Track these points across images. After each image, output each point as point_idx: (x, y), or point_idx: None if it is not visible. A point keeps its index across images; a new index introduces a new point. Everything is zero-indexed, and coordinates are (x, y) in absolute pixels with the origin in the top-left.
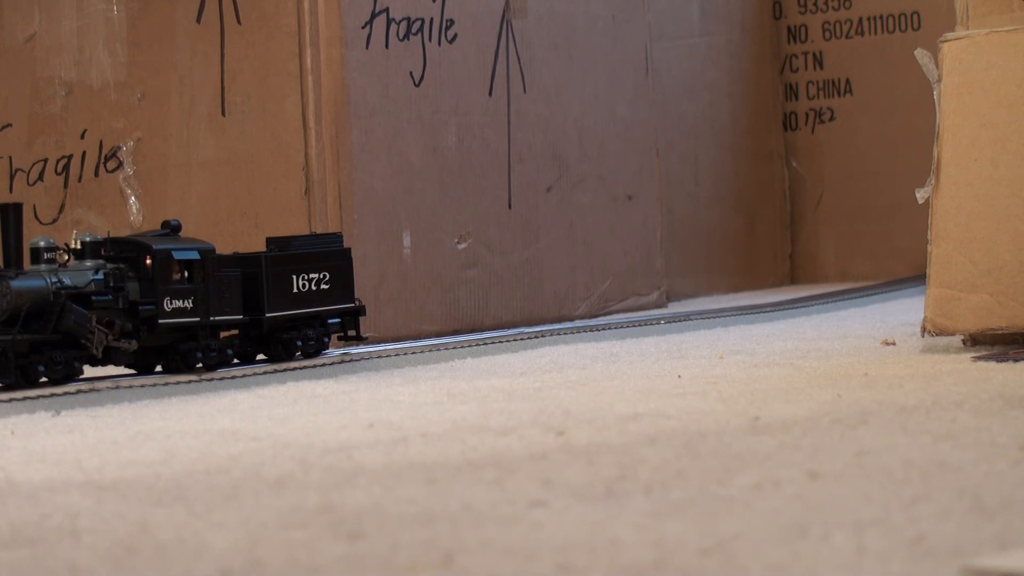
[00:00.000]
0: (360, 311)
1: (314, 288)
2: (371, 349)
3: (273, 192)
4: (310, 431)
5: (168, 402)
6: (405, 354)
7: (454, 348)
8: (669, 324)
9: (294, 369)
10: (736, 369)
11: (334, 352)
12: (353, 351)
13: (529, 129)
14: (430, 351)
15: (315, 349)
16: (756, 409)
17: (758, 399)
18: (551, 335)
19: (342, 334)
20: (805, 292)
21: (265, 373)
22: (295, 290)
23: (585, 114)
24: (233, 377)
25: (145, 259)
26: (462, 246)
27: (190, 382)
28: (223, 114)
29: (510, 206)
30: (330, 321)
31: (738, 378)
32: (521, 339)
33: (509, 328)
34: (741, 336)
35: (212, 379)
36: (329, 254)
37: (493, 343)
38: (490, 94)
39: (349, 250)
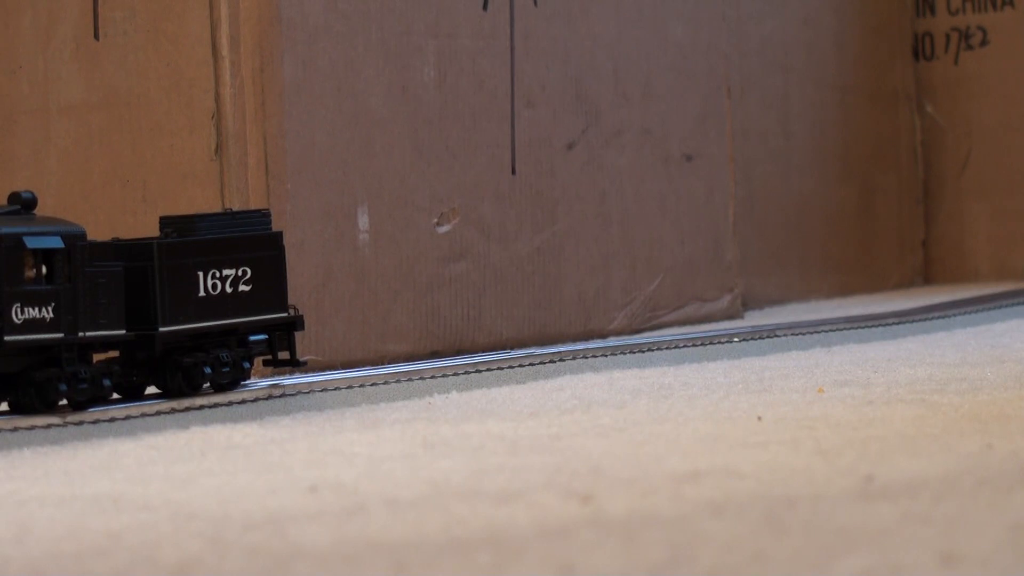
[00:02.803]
0: (296, 324)
1: (230, 290)
2: (312, 379)
3: (169, 151)
4: (226, 497)
5: (19, 455)
6: (361, 386)
7: (432, 378)
8: (746, 343)
9: (201, 408)
10: (842, 408)
11: (258, 383)
12: (286, 382)
13: (542, 59)
14: (398, 382)
15: (231, 379)
16: (869, 465)
17: (873, 451)
18: (573, 359)
19: (269, 357)
20: (944, 296)
21: (159, 414)
22: (202, 293)
23: (623, 36)
24: (112, 420)
25: None
26: (444, 229)
27: (50, 427)
28: (96, 37)
29: (514, 171)
30: (252, 339)
31: (845, 421)
32: (530, 364)
33: (513, 348)
34: (850, 360)
35: (82, 422)
36: (252, 241)
37: (489, 370)
38: (485, 8)
39: (280, 235)
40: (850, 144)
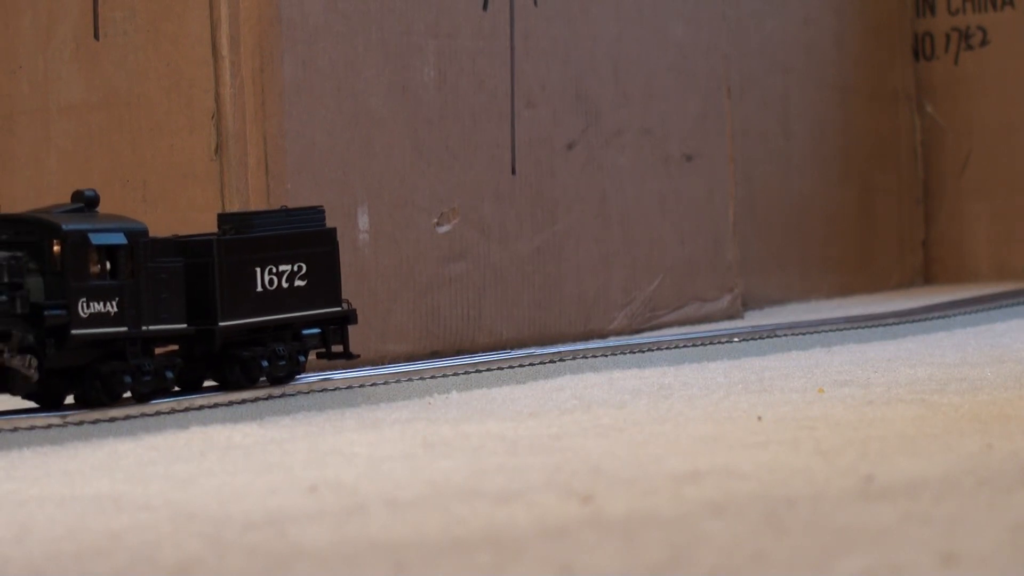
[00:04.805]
0: (349, 317)
1: (286, 285)
2: (312, 379)
3: (169, 151)
4: (225, 497)
5: (19, 455)
6: (361, 386)
7: (432, 378)
8: (746, 343)
9: (200, 408)
10: (842, 408)
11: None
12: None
13: (542, 59)
14: (397, 382)
15: (287, 372)
16: (869, 465)
17: (873, 451)
18: (573, 359)
19: (323, 350)
20: (944, 296)
21: (159, 414)
22: (259, 288)
23: (624, 36)
24: (112, 420)
25: (51, 244)
26: (444, 229)
27: (50, 427)
28: (96, 37)
29: (514, 171)
30: (305, 332)
31: (845, 421)
32: (530, 364)
33: (513, 349)
34: (850, 360)
35: (82, 422)
36: (307, 237)
37: (489, 370)
38: (485, 8)
39: (334, 231)
40: (850, 144)
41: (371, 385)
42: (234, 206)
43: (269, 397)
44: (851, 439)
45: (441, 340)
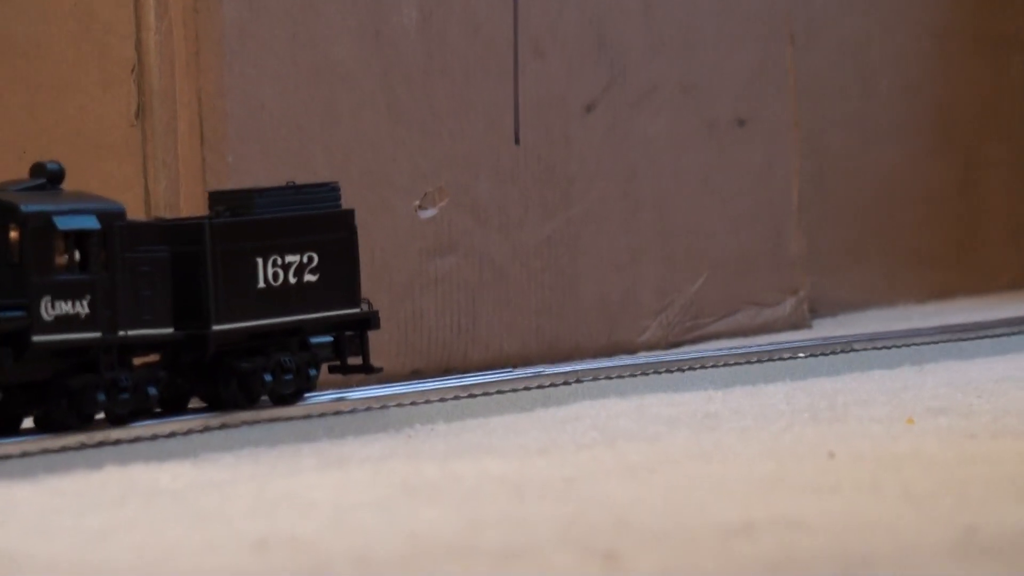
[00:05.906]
0: (369, 321)
1: (293, 281)
2: (325, 398)
3: (78, 113)
4: (152, 556)
5: None
6: (322, 415)
7: (413, 404)
8: (814, 359)
9: (117, 443)
10: (937, 443)
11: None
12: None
13: None
14: (369, 409)
15: (294, 388)
16: (970, 514)
17: (975, 497)
18: (593, 380)
19: (337, 362)
20: None
21: (64, 450)
22: (261, 284)
23: None
24: (6, 457)
25: (7, 230)
26: (428, 214)
27: None
28: None
29: (518, 140)
30: (314, 341)
31: (940, 459)
32: (539, 387)
33: (516, 367)
34: (948, 381)
35: None
36: (319, 221)
37: (486, 394)
38: None
39: (351, 214)
40: (949, 105)
41: (334, 414)
42: (160, 183)
43: (205, 429)
44: (947, 482)
45: (424, 356)
